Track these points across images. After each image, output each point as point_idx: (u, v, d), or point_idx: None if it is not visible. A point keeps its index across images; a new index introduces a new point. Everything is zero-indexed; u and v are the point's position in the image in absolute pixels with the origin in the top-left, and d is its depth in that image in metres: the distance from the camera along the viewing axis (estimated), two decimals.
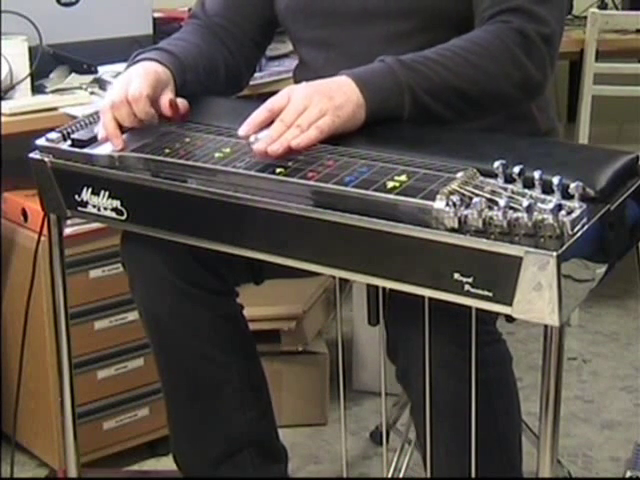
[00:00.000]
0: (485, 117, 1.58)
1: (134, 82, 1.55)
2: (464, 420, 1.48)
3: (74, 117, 1.98)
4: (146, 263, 1.68)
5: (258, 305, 2.19)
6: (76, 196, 1.56)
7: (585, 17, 3.00)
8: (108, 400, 2.25)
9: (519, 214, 1.20)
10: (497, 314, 1.56)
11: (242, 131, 1.45)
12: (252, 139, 1.43)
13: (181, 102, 1.58)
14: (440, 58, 1.50)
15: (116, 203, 1.52)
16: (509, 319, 1.57)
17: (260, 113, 1.46)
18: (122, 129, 1.55)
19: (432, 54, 1.51)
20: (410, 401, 1.65)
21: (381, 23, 1.65)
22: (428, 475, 1.61)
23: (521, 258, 1.19)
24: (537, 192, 1.25)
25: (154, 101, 1.56)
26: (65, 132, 1.58)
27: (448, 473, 1.59)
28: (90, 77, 2.30)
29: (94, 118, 1.60)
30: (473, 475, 1.52)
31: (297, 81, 1.84)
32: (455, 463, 1.54)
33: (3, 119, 2.10)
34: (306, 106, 1.43)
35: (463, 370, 1.46)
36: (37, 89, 2.24)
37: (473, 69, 1.50)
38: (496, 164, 1.28)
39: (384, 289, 1.56)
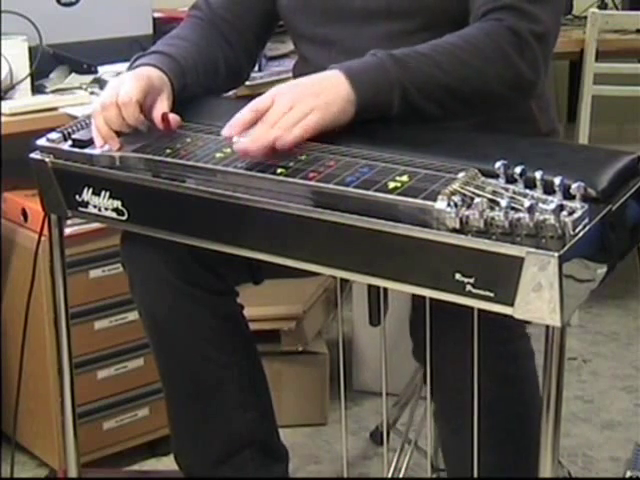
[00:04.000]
0: (477, 116, 1.58)
1: (125, 86, 1.54)
2: (488, 415, 1.49)
3: (74, 117, 1.98)
4: (146, 263, 1.68)
5: (258, 305, 2.19)
6: (77, 196, 1.56)
7: (585, 17, 3.01)
8: (108, 400, 2.25)
9: (521, 214, 1.20)
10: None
11: (225, 132, 1.44)
12: (235, 140, 1.42)
13: (172, 117, 1.56)
14: (432, 54, 1.49)
15: (117, 203, 1.52)
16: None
17: (244, 114, 1.44)
18: (118, 132, 1.55)
19: (424, 50, 1.50)
20: (434, 398, 1.63)
21: (383, 22, 1.64)
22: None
23: (522, 258, 1.19)
24: (539, 192, 1.24)
25: (144, 105, 1.55)
26: (66, 132, 1.58)
27: (465, 469, 1.58)
28: (90, 77, 2.30)
29: None
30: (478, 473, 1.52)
31: (296, 77, 1.83)
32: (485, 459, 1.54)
33: (3, 119, 2.10)
34: (292, 106, 1.42)
35: (491, 366, 1.46)
36: (37, 89, 2.24)
37: (464, 67, 1.49)
38: (497, 164, 1.28)
39: (385, 289, 1.56)
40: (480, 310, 1.33)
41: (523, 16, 1.52)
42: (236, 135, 1.43)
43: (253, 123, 1.43)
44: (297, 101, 1.42)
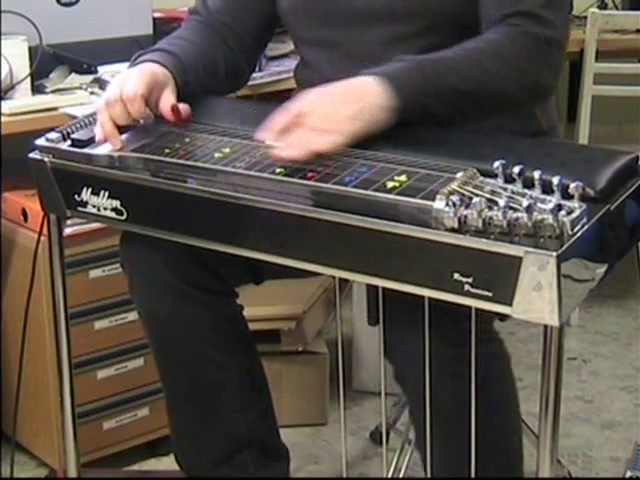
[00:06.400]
0: (494, 118, 1.59)
1: (129, 82, 1.55)
2: (461, 419, 1.49)
3: (74, 117, 1.98)
4: (145, 264, 1.68)
5: (258, 305, 2.19)
6: (76, 196, 1.56)
7: (585, 17, 3.00)
8: (108, 400, 2.25)
9: (519, 214, 1.20)
10: (494, 314, 1.57)
11: (262, 135, 1.42)
12: (273, 144, 1.40)
13: (183, 107, 1.57)
14: (458, 58, 1.50)
15: (116, 203, 1.52)
16: (501, 318, 1.56)
17: (281, 118, 1.42)
18: (120, 129, 1.55)
19: (450, 54, 1.51)
20: (408, 402, 1.65)
21: (385, 24, 1.64)
22: (428, 470, 1.61)
23: (521, 258, 1.19)
24: (537, 192, 1.25)
25: (149, 101, 1.56)
26: (65, 132, 1.58)
27: (447, 473, 1.59)
28: (90, 77, 2.30)
29: (94, 118, 1.60)
30: (473, 475, 1.52)
31: (298, 80, 1.84)
32: (454, 463, 1.54)
33: (3, 119, 2.10)
34: (330, 110, 1.41)
35: (458, 369, 1.47)
36: (37, 89, 2.24)
37: (487, 72, 1.50)
38: (496, 164, 1.28)
39: (383, 289, 1.57)
40: (438, 310, 1.34)
41: (540, 22, 1.53)
42: (273, 140, 1.41)
43: (290, 126, 1.41)
44: (334, 105, 1.41)
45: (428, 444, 1.56)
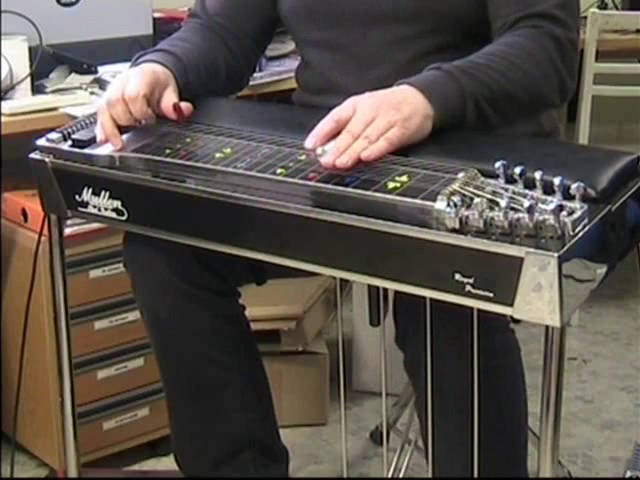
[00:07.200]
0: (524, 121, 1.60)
1: (131, 82, 1.55)
2: (469, 409, 1.49)
3: (74, 117, 1.98)
4: (148, 264, 1.68)
5: (258, 305, 2.19)
6: (76, 196, 1.56)
7: (585, 17, 3.00)
8: (108, 400, 2.25)
9: (520, 215, 1.20)
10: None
11: (308, 143, 1.40)
12: (319, 151, 1.39)
13: (184, 105, 1.58)
14: (492, 64, 1.49)
15: (117, 203, 1.52)
16: (515, 320, 1.57)
17: (325, 124, 1.41)
18: (121, 129, 1.55)
19: (482, 60, 1.50)
20: (415, 392, 1.64)
21: (389, 25, 1.64)
22: (430, 467, 1.60)
23: (522, 259, 1.19)
24: (538, 193, 1.25)
25: (151, 100, 1.57)
26: (65, 132, 1.58)
27: (451, 465, 1.59)
28: (90, 77, 2.30)
29: (94, 118, 1.60)
30: (476, 469, 1.52)
31: (299, 81, 1.83)
32: (459, 453, 1.54)
33: (3, 119, 2.10)
34: (374, 117, 1.39)
35: (469, 358, 1.46)
36: (37, 89, 2.24)
37: (522, 75, 1.50)
38: (497, 165, 1.29)
39: (385, 289, 1.57)
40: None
41: (558, 23, 1.54)
42: (319, 146, 1.40)
43: (335, 133, 1.40)
44: (379, 113, 1.40)
45: (430, 436, 1.56)
